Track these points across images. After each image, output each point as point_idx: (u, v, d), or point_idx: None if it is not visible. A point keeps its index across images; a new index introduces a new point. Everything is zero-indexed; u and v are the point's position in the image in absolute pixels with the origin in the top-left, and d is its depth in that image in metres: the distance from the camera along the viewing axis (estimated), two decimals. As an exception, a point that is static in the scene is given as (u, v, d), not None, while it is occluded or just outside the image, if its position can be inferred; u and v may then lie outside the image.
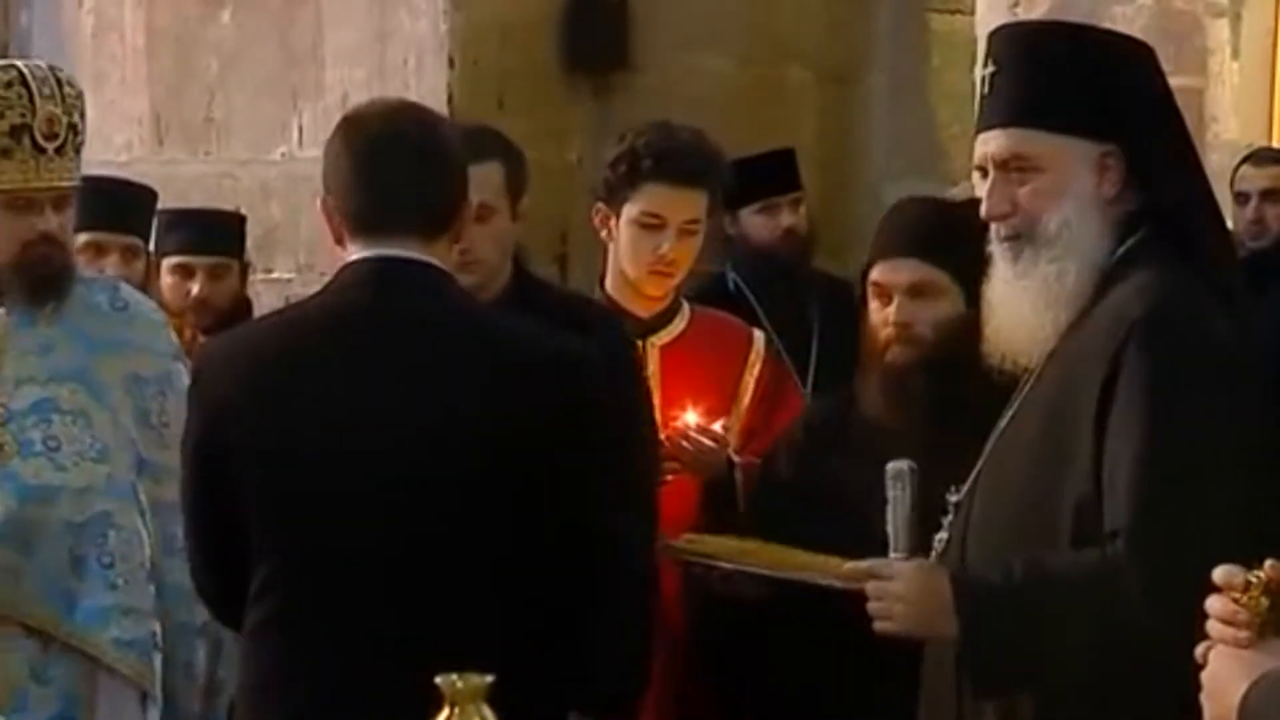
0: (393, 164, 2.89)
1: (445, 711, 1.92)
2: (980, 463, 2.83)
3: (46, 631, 3.55)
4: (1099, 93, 2.72)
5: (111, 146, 6.33)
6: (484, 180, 3.47)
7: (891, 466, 2.85)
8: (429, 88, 5.82)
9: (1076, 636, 2.63)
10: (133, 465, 3.60)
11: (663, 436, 3.61)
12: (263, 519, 2.93)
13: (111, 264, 4.54)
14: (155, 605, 3.60)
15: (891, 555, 2.82)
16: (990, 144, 2.80)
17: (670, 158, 3.66)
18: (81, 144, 3.63)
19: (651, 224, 3.68)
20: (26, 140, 3.55)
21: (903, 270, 3.29)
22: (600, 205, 3.76)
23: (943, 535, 2.84)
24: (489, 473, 2.86)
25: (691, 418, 3.62)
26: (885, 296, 3.30)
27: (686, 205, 3.68)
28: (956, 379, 3.16)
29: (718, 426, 3.64)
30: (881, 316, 3.30)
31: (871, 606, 2.78)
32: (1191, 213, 2.79)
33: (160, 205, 4.91)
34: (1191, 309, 2.68)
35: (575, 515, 2.90)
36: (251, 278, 5.65)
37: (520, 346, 2.93)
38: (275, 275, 6.03)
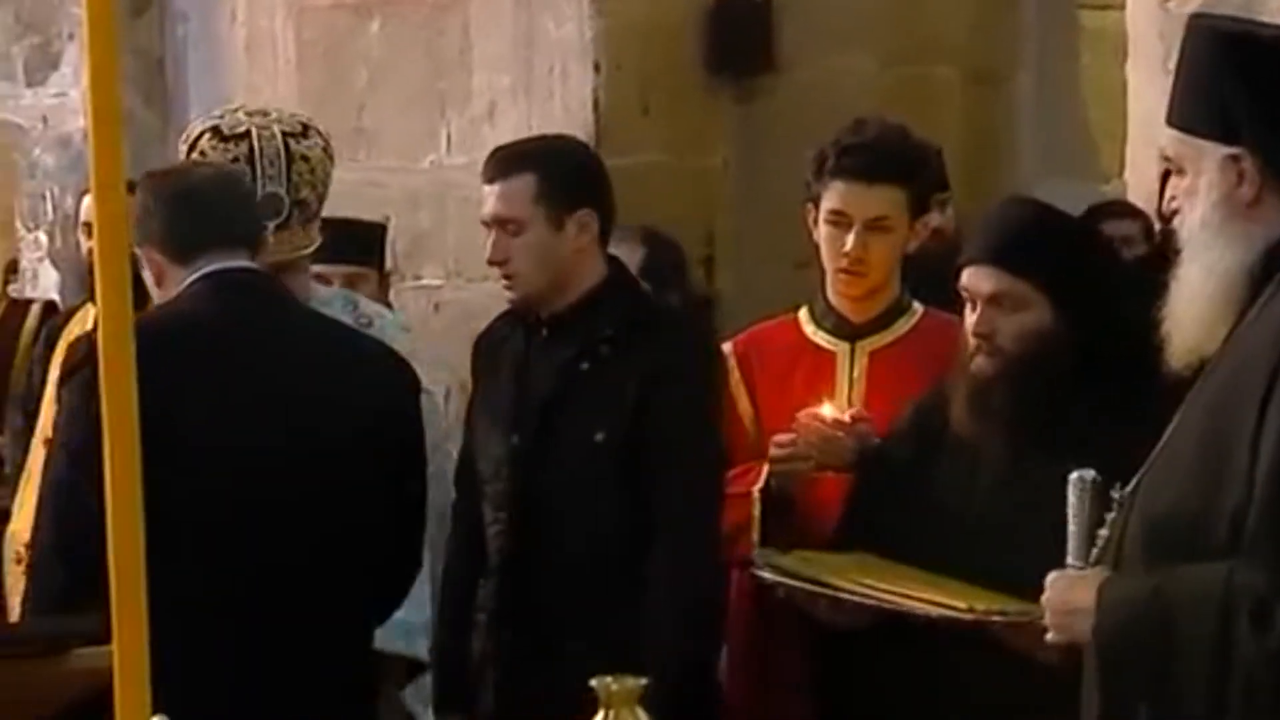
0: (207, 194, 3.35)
1: (601, 714, 1.92)
2: (1149, 461, 2.78)
3: None
4: (1224, 94, 2.64)
5: (264, 157, 6.43)
6: (511, 194, 3.50)
7: (1074, 475, 2.80)
8: (574, 93, 5.84)
9: (1193, 661, 2.53)
10: None
11: (792, 426, 3.57)
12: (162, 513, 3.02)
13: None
14: None
15: (1068, 565, 2.78)
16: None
17: (853, 153, 3.61)
18: (314, 213, 3.65)
19: (838, 222, 3.64)
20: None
21: (984, 279, 3.25)
22: (809, 206, 3.71)
23: (1103, 532, 2.80)
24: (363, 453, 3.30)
25: (827, 410, 3.57)
26: (971, 303, 3.27)
27: (872, 202, 3.61)
28: (1039, 391, 3.12)
29: (846, 416, 3.57)
30: (970, 324, 3.26)
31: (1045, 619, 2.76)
32: None
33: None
34: None
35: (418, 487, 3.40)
36: (400, 285, 5.72)
37: (359, 341, 3.50)
38: (424, 282, 6.08)
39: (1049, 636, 2.74)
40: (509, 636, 3.54)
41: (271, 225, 3.56)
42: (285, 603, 3.26)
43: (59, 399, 3.50)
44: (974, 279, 3.26)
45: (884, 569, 3.21)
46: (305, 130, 3.68)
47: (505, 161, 3.56)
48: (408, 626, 3.74)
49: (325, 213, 5.08)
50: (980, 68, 6.26)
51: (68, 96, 6.61)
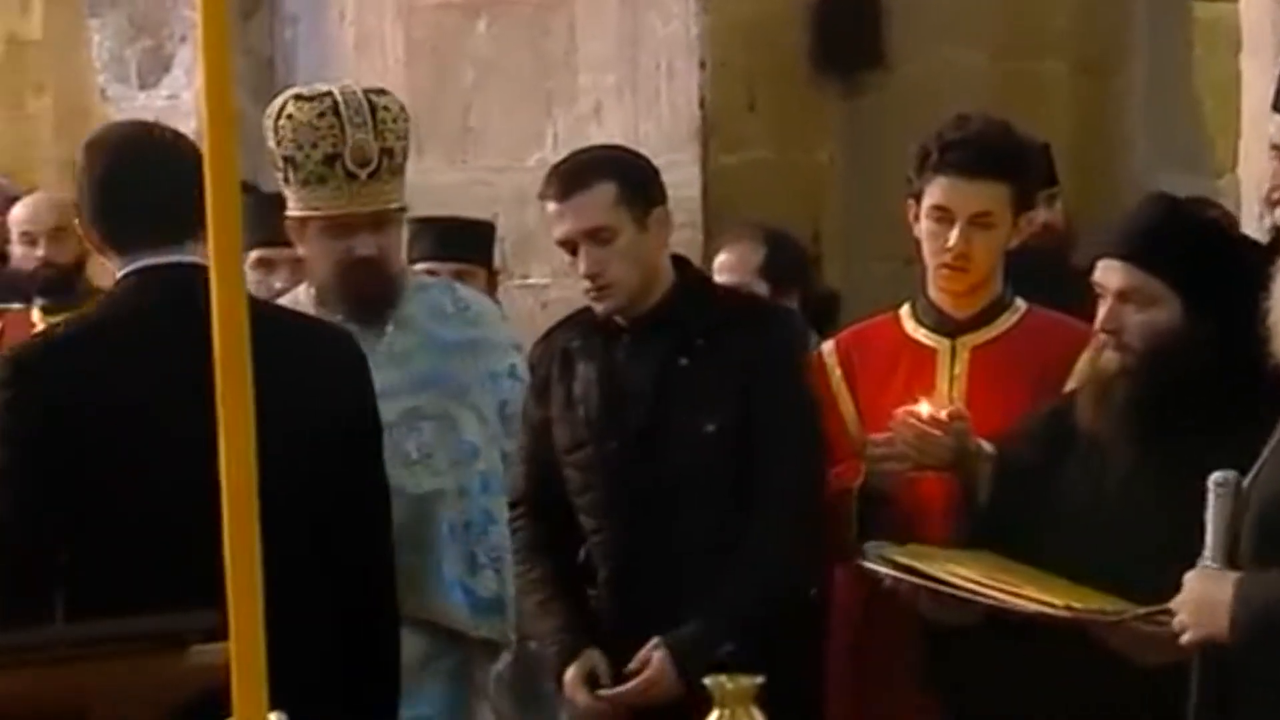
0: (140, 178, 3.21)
1: (715, 713, 1.92)
2: (1264, 455, 2.75)
3: (438, 624, 3.70)
4: None
5: (372, 156, 6.47)
6: (595, 204, 3.52)
7: (1216, 475, 2.76)
8: (680, 91, 5.84)
9: None
10: (500, 458, 3.73)
11: (890, 425, 3.55)
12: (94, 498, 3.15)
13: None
14: None
15: (1206, 563, 2.75)
16: None
17: (956, 148, 3.59)
18: (399, 165, 3.70)
19: (940, 217, 3.61)
20: (339, 168, 3.68)
21: (1114, 273, 3.20)
22: (910, 202, 3.70)
23: None
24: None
25: (924, 408, 3.54)
26: (1101, 299, 3.24)
27: (975, 197, 3.59)
28: (1166, 389, 3.08)
29: (943, 414, 3.54)
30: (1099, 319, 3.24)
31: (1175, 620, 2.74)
32: None
33: (416, 214, 5.01)
34: None
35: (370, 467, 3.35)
36: (507, 283, 5.74)
37: (308, 331, 3.42)
38: (531, 281, 6.10)
39: (1185, 636, 2.71)
40: (634, 645, 3.54)
41: (364, 174, 3.64)
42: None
43: None
44: (1104, 273, 3.22)
45: (995, 565, 3.18)
46: (381, 91, 3.82)
47: (577, 175, 3.59)
48: (488, 606, 3.78)
49: (434, 212, 5.16)
50: (1090, 60, 6.21)
51: (179, 99, 6.68)
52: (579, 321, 3.68)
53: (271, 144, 3.75)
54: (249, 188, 5.35)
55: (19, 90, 11.96)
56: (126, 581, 3.21)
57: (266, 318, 3.36)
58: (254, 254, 4.42)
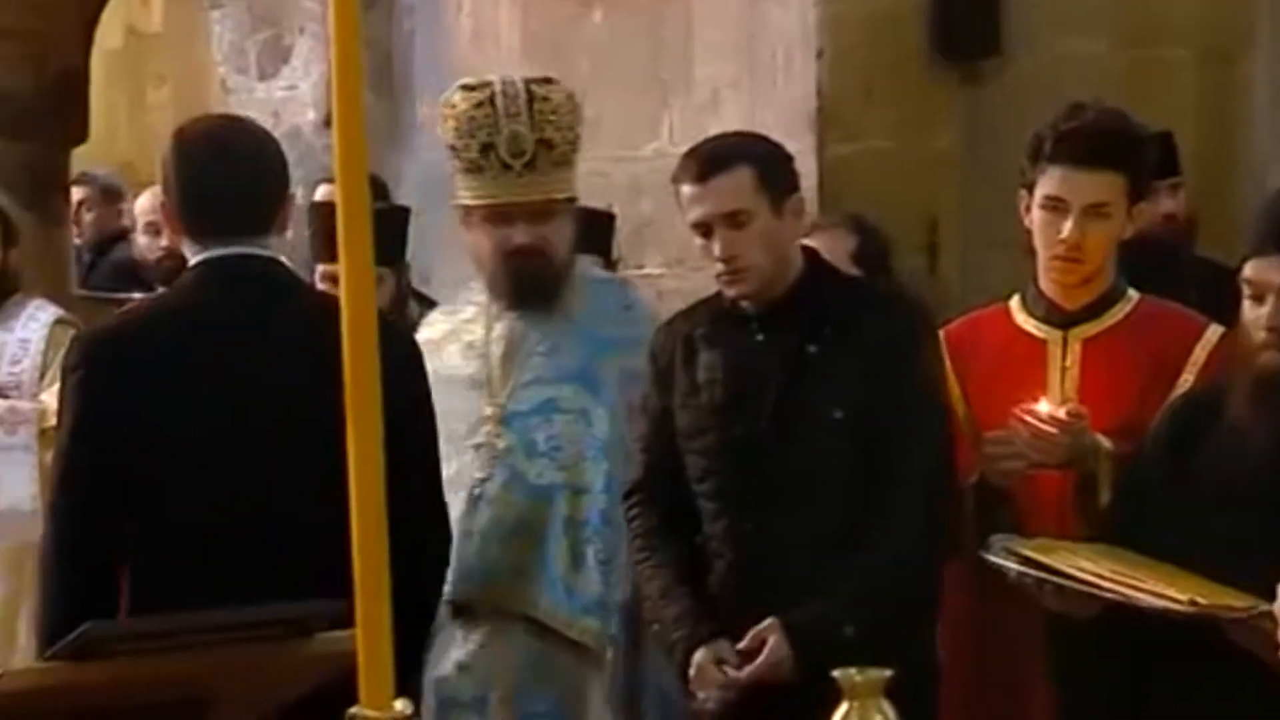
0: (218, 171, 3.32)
1: (844, 706, 1.91)
2: None
3: (545, 624, 3.71)
4: None
5: (488, 147, 6.50)
6: (734, 187, 3.51)
7: None
8: (798, 80, 5.82)
9: None
10: (625, 460, 3.74)
11: (1008, 423, 3.52)
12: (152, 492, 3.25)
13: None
14: None
15: None
16: None
17: (1070, 138, 3.57)
18: (562, 156, 3.73)
19: (1054, 207, 3.59)
20: (494, 158, 3.72)
21: (1275, 271, 3.15)
22: (1022, 192, 3.67)
23: None
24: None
25: (1043, 406, 3.50)
26: (1258, 296, 3.16)
27: (1090, 188, 3.56)
28: None
29: (1062, 413, 3.50)
30: (1254, 316, 3.16)
31: None
32: None
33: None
34: None
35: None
36: (623, 272, 5.74)
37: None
38: (646, 271, 6.10)
39: None
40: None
41: (519, 165, 3.66)
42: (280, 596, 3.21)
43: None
44: (1263, 270, 3.15)
45: (1123, 559, 3.15)
46: (548, 80, 3.86)
47: (716, 158, 3.58)
48: (586, 608, 3.78)
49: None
50: (1214, 48, 6.12)
51: (298, 90, 6.73)
52: (703, 309, 3.67)
53: (440, 132, 3.79)
54: (374, 183, 5.41)
55: (139, 82, 12.14)
56: (185, 566, 3.31)
57: (324, 310, 3.47)
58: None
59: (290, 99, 6.78)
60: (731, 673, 3.48)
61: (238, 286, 3.33)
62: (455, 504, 3.77)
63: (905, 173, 5.89)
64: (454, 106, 3.79)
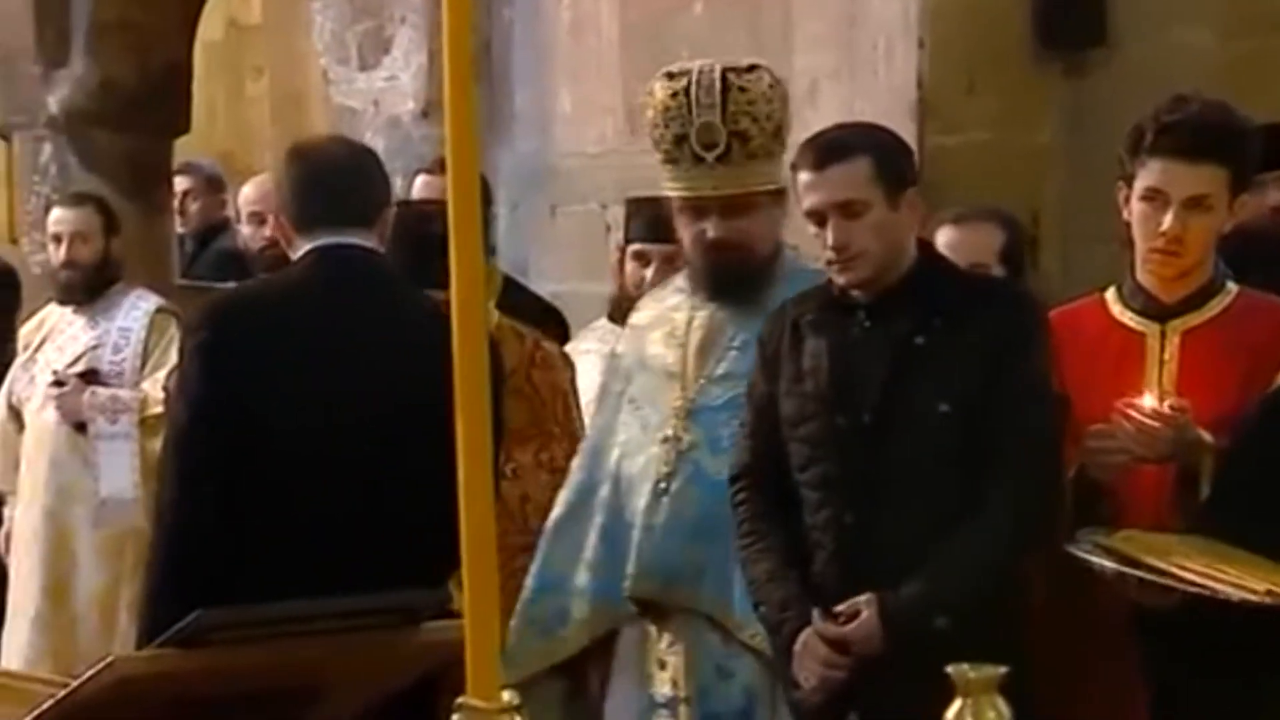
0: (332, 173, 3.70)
1: (958, 703, 1.90)
2: None
3: (727, 626, 3.70)
4: None
5: (586, 138, 6.50)
6: (850, 177, 3.48)
7: None
8: (898, 71, 5.78)
9: None
10: None
11: (1110, 417, 3.49)
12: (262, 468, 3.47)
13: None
14: None
15: None
16: None
17: (1171, 130, 3.53)
18: (760, 147, 3.70)
19: (1153, 199, 3.56)
20: (687, 149, 3.70)
21: None
22: (1121, 184, 3.65)
23: None
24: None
25: (1147, 400, 3.48)
26: None
27: (1190, 180, 3.53)
28: None
29: (1166, 407, 3.47)
30: None
31: None
32: None
33: (633, 194, 5.02)
34: None
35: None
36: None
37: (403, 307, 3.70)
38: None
39: None
40: None
41: (711, 156, 3.64)
42: (363, 566, 3.43)
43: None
44: None
45: (1208, 550, 3.13)
46: (751, 68, 3.77)
47: (834, 147, 3.56)
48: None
49: (650, 192, 5.16)
50: (1323, 39, 6.04)
51: (398, 80, 6.76)
52: (813, 296, 3.65)
53: (645, 120, 3.79)
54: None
55: (239, 73, 12.23)
56: (283, 536, 3.47)
57: (415, 297, 3.69)
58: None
59: (390, 89, 6.80)
60: (818, 624, 3.45)
61: (343, 267, 3.63)
62: (640, 497, 3.76)
63: (1006, 165, 5.84)
64: (652, 95, 3.76)
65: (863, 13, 5.86)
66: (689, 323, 3.86)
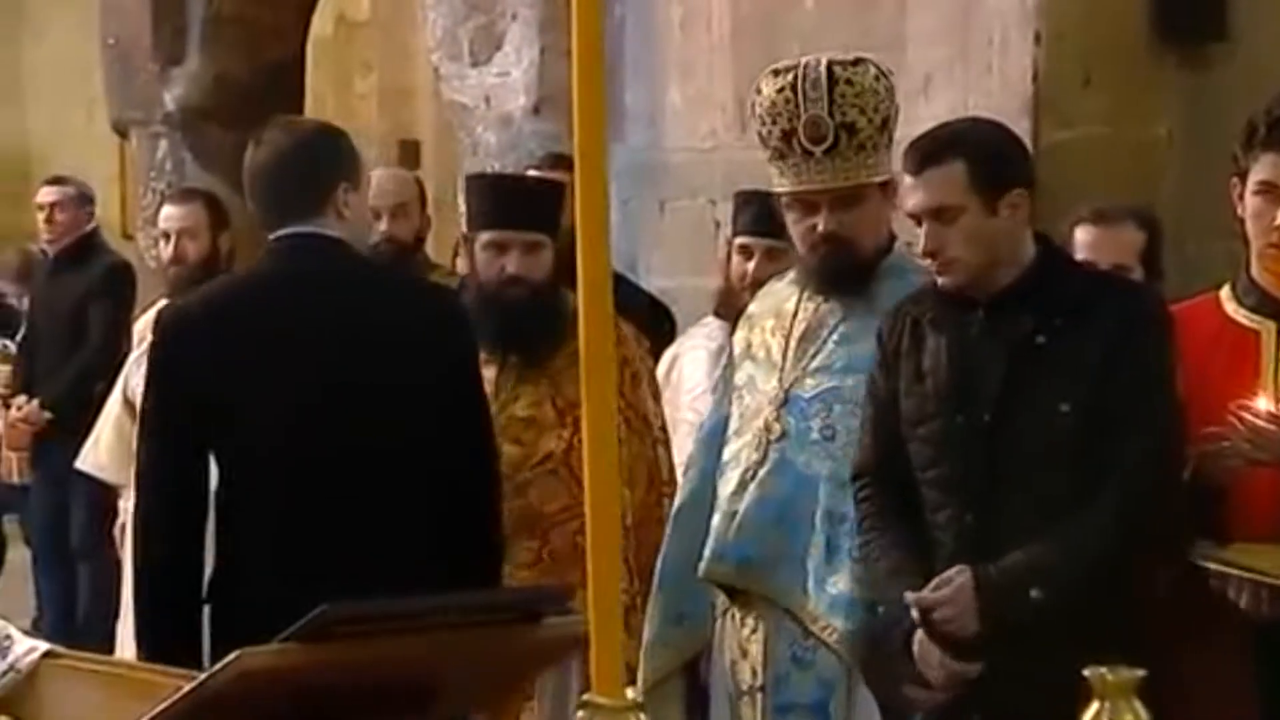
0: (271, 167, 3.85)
1: (1095, 706, 1.89)
2: None
3: (800, 616, 3.70)
4: None
5: (696, 133, 6.49)
6: (943, 182, 3.46)
7: None
8: (1013, 64, 5.73)
9: None
10: None
11: (1225, 419, 3.45)
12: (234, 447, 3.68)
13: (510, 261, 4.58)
14: None
15: None
16: None
17: None
18: (868, 139, 3.69)
19: (1267, 194, 3.52)
20: (795, 144, 3.71)
21: None
22: (1235, 179, 3.61)
23: None
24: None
25: (1262, 403, 3.43)
26: None
27: None
28: None
29: None
30: None
31: None
32: None
33: (744, 187, 5.02)
34: None
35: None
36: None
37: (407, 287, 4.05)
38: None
39: None
40: None
41: (819, 150, 3.65)
42: (360, 553, 3.60)
43: None
44: None
45: None
46: (856, 61, 3.78)
47: (931, 151, 3.54)
48: (834, 604, 3.74)
49: (763, 185, 5.13)
50: None
51: (510, 76, 6.78)
52: (932, 294, 3.63)
53: (752, 118, 3.80)
54: (562, 159, 5.43)
55: (348, 70, 12.33)
56: (262, 519, 3.65)
57: (372, 278, 3.93)
58: (485, 236, 4.46)
59: (501, 85, 6.82)
60: (909, 596, 3.43)
61: (300, 256, 3.78)
62: (729, 484, 3.78)
63: (1122, 160, 5.78)
64: (760, 92, 3.77)
65: (977, 5, 5.81)
66: (794, 313, 3.86)
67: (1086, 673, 1.91)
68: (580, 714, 1.98)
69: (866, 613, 3.64)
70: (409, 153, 11.94)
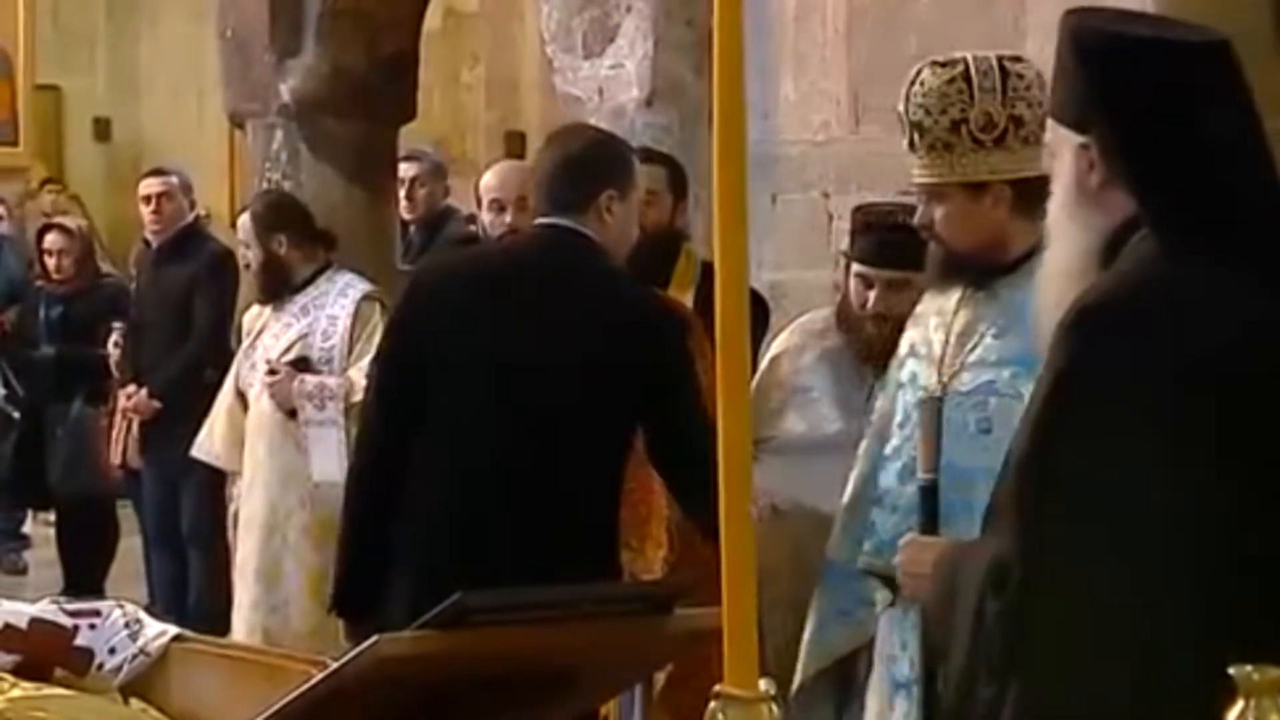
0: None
1: (1239, 705, 1.87)
2: None
3: None
4: (1075, 85, 2.85)
5: (810, 126, 6.47)
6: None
7: None
8: (1133, 59, 5.67)
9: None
10: None
11: None
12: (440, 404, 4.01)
13: None
14: None
15: None
16: None
17: None
18: (1031, 133, 3.73)
19: None
20: (965, 133, 3.72)
21: None
22: None
23: None
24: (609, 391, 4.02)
25: None
26: None
27: None
28: None
29: None
30: None
31: None
32: None
33: (861, 204, 4.99)
34: None
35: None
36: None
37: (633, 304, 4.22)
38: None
39: None
40: None
41: (989, 140, 3.70)
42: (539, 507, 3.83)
43: None
44: None
45: None
46: (1017, 58, 3.84)
47: None
48: None
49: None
50: None
51: (623, 68, 6.77)
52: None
53: (900, 109, 3.80)
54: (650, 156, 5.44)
55: (455, 61, 12.37)
56: (452, 475, 3.96)
57: (606, 278, 4.21)
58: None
59: (615, 77, 6.82)
60: None
61: (546, 242, 4.16)
62: (889, 476, 3.81)
63: (1243, 153, 5.70)
64: (923, 83, 3.77)
65: (1096, 1, 5.75)
66: (955, 310, 3.86)
67: (1232, 670, 1.89)
68: (713, 705, 1.97)
69: None
70: (514, 144, 11.95)
